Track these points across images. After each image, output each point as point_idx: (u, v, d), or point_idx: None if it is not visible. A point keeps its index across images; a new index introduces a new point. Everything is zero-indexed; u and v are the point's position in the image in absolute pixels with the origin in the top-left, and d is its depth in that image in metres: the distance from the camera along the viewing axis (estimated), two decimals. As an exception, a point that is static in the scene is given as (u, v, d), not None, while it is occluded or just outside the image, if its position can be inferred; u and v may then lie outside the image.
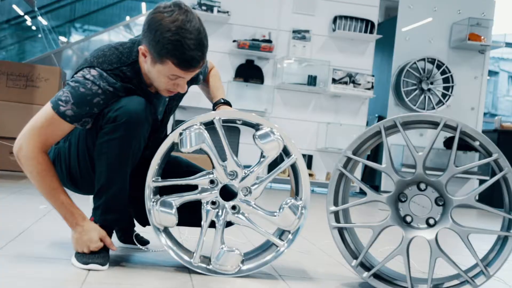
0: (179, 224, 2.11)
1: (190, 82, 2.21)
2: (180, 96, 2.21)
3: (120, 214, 2.07)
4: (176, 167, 2.23)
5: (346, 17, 6.85)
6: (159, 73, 1.97)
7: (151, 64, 1.97)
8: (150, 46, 1.93)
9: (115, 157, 1.97)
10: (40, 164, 1.98)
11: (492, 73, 18.53)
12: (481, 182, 7.12)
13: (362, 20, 6.87)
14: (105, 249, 2.03)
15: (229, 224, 2.14)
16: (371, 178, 7.32)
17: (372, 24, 6.88)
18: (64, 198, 2.01)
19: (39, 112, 1.99)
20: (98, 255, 1.98)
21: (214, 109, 2.25)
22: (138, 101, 1.98)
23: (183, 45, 1.89)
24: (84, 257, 1.97)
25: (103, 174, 2.00)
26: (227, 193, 2.10)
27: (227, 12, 6.54)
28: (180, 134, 2.05)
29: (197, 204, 2.09)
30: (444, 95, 7.09)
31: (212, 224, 2.10)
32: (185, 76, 1.97)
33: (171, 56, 1.90)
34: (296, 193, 2.17)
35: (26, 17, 11.17)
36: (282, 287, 2.00)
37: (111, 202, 2.03)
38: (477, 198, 2.04)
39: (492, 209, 2.02)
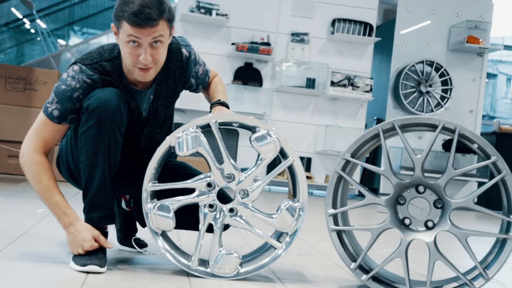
0: (177, 227, 2.11)
1: (182, 86, 2.25)
2: (166, 95, 2.20)
3: (105, 211, 2.06)
4: (173, 170, 2.22)
5: (344, 20, 6.86)
6: (122, 43, 2.00)
7: (118, 35, 2.02)
8: (114, 17, 2.00)
9: (92, 148, 2.00)
10: (36, 164, 2.05)
11: (490, 75, 18.56)
12: (480, 184, 7.12)
13: (360, 23, 6.88)
14: (102, 250, 2.03)
15: (225, 227, 2.14)
16: (369, 180, 7.32)
17: (371, 27, 6.89)
18: (59, 199, 2.05)
19: (36, 119, 2.10)
20: (96, 256, 1.98)
21: (210, 110, 2.25)
22: (110, 90, 2.03)
23: (133, 1, 1.93)
24: (82, 259, 1.97)
25: (85, 169, 2.03)
26: (223, 198, 2.10)
27: (226, 15, 6.54)
28: (177, 137, 2.05)
29: (194, 208, 2.09)
30: (442, 98, 7.09)
31: (210, 229, 2.09)
32: (140, 36, 1.95)
33: (123, 12, 1.94)
34: (293, 195, 2.17)
35: (25, 20, 11.17)
36: (281, 290, 2.00)
37: (94, 199, 2.04)
38: (475, 200, 2.03)
39: (491, 212, 2.02)
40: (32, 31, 11.41)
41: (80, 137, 2.01)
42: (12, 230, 2.59)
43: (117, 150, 2.04)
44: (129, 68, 2.05)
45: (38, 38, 10.72)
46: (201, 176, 2.10)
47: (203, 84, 2.34)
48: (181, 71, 2.19)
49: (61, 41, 11.00)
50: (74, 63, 2.08)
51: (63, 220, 2.04)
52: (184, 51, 2.18)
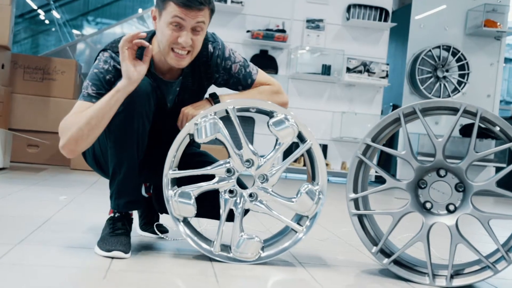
0: (197, 216, 2.14)
1: (208, 81, 2.24)
2: (192, 90, 2.21)
3: (132, 197, 2.08)
4: (193, 158, 2.24)
5: (360, 6, 6.82)
6: (163, 25, 2.02)
7: (159, 18, 2.05)
8: (158, 0, 2.04)
9: (120, 135, 2.01)
10: (71, 118, 2.01)
11: (507, 60, 18.34)
12: (498, 169, 7.08)
13: (376, 8, 6.83)
14: (126, 234, 2.06)
15: (245, 212, 2.15)
16: (386, 166, 7.30)
17: (386, 12, 6.84)
18: (103, 98, 1.99)
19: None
20: (120, 242, 2.00)
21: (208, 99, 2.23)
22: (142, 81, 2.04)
23: None
24: (107, 244, 1.99)
25: (113, 155, 2.04)
26: (240, 186, 2.11)
27: (241, 2, 6.53)
28: (196, 124, 2.06)
29: (214, 196, 2.11)
30: (459, 83, 7.04)
31: (230, 218, 2.11)
32: (185, 17, 1.98)
33: None
34: (312, 178, 2.18)
35: (39, 11, 11.22)
36: (303, 274, 2.02)
37: (122, 185, 2.05)
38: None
39: (513, 194, 2.01)
40: (47, 22, 11.47)
41: (109, 124, 2.01)
42: (35, 217, 2.63)
43: (144, 137, 2.06)
44: (164, 52, 2.06)
45: (53, 29, 10.77)
46: (221, 162, 2.11)
47: (239, 83, 2.25)
48: (206, 66, 2.19)
49: (76, 32, 11.04)
50: (104, 50, 2.12)
51: (114, 97, 1.97)
52: (209, 46, 2.18)
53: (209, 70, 2.20)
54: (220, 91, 2.23)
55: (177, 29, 2.01)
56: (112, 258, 1.96)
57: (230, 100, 2.12)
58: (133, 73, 1.96)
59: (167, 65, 2.10)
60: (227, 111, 2.09)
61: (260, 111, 2.15)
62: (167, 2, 2.00)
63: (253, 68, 2.26)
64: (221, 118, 2.09)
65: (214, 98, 2.16)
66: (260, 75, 2.27)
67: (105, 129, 2.06)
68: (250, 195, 2.10)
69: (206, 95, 2.23)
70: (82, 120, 1.96)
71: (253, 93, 2.22)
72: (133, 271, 1.83)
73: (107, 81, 2.06)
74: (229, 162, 2.09)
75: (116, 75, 2.06)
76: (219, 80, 2.24)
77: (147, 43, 2.00)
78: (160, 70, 2.15)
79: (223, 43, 2.22)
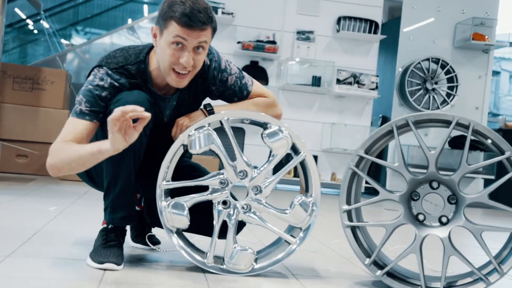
0: (191, 231, 2.14)
1: (204, 94, 2.23)
2: (188, 103, 2.20)
3: (128, 211, 2.07)
4: (185, 171, 2.22)
5: (350, 18, 6.86)
6: (164, 44, 1.99)
7: (159, 37, 2.01)
8: (159, 18, 2.01)
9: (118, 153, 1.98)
10: (61, 147, 1.96)
11: (493, 73, 18.52)
12: (486, 181, 7.12)
13: (366, 20, 6.88)
14: (119, 246, 2.04)
15: (239, 229, 2.15)
16: (375, 178, 7.31)
17: (376, 24, 6.89)
18: (89, 148, 1.93)
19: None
20: (113, 254, 1.99)
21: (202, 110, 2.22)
22: (137, 93, 2.02)
23: (185, 3, 1.96)
24: (100, 256, 1.98)
25: (109, 171, 2.03)
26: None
27: (232, 13, 6.55)
28: (190, 135, 2.06)
29: (208, 213, 2.10)
30: (448, 95, 7.09)
31: (222, 235, 2.10)
32: (187, 37, 1.97)
33: (174, 12, 1.95)
34: (306, 190, 2.18)
35: (28, 21, 11.18)
36: (296, 286, 2.01)
37: (118, 200, 2.04)
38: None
39: (506, 207, 2.02)
40: (36, 31, 11.43)
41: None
42: (26, 228, 2.60)
43: (141, 152, 2.05)
44: (164, 71, 2.04)
45: (42, 39, 10.73)
46: (214, 173, 2.11)
47: (235, 95, 2.23)
48: (203, 79, 2.18)
49: (66, 42, 11.02)
50: (99, 66, 2.08)
51: (101, 152, 1.90)
52: (206, 59, 2.16)
53: (206, 82, 2.20)
54: (215, 101, 2.23)
55: (178, 49, 1.99)
56: (105, 270, 1.95)
57: (224, 111, 2.12)
58: (121, 144, 1.85)
59: (165, 81, 2.08)
60: (221, 122, 2.09)
61: (254, 123, 2.15)
62: (169, 21, 1.97)
63: (248, 79, 2.26)
64: (214, 129, 2.09)
65: (208, 109, 2.15)
66: (255, 86, 2.27)
67: None
68: (244, 207, 2.10)
69: (201, 106, 2.22)
70: (65, 158, 1.95)
71: (247, 105, 2.21)
72: (125, 283, 1.82)
73: (102, 98, 2.01)
74: (222, 173, 2.09)
75: (113, 92, 2.03)
76: (215, 92, 2.23)
77: (147, 114, 1.83)
78: (157, 86, 2.13)
79: (219, 55, 2.22)
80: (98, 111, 2.01)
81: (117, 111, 1.79)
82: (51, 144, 2.00)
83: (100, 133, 2.06)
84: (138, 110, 1.80)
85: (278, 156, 2.11)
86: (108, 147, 1.87)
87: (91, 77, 2.06)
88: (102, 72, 2.05)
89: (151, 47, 2.14)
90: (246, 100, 2.24)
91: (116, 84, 2.04)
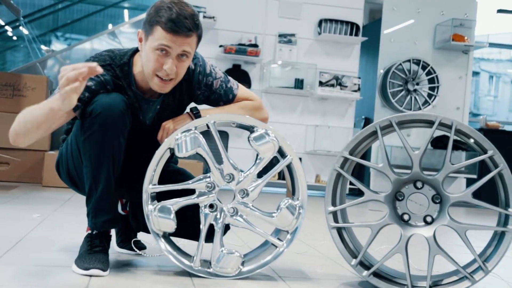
0: (176, 235, 2.14)
1: (189, 98, 2.22)
2: (172, 107, 2.20)
3: (110, 215, 2.05)
4: (170, 176, 2.22)
5: (331, 20, 6.89)
6: (149, 50, 1.99)
7: (145, 42, 2.02)
8: (145, 22, 2.01)
9: (96, 153, 1.98)
10: (21, 114, 1.95)
11: (473, 73, 18.72)
12: (468, 180, 7.19)
13: (347, 23, 6.91)
14: (104, 252, 2.03)
15: (224, 231, 2.15)
16: (359, 179, 7.33)
17: (357, 26, 6.93)
18: (41, 107, 1.91)
19: None
20: (98, 260, 1.98)
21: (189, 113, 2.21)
22: (114, 95, 2.01)
23: (172, 9, 1.96)
24: (85, 262, 1.97)
25: (89, 174, 2.02)
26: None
27: (213, 17, 6.55)
28: (176, 139, 2.05)
29: (195, 217, 2.10)
30: (430, 96, 7.15)
31: (208, 238, 2.09)
32: (172, 44, 1.96)
33: (160, 18, 1.95)
34: (292, 193, 2.18)
35: (7, 27, 11.07)
36: (283, 288, 2.01)
37: (99, 204, 2.03)
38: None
39: (489, 206, 2.04)
40: (15, 38, 11.32)
41: (84, 143, 2.00)
42: (9, 236, 2.57)
43: (120, 154, 2.04)
44: (148, 76, 2.04)
45: (22, 45, 10.63)
46: (201, 176, 2.11)
47: (221, 99, 2.23)
48: (187, 83, 2.18)
49: (46, 48, 10.94)
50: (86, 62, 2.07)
51: (44, 108, 1.89)
52: (190, 63, 2.17)
53: (191, 87, 2.19)
54: (200, 106, 2.22)
55: (162, 55, 1.99)
56: (91, 276, 1.94)
57: (211, 114, 2.12)
58: (71, 101, 1.79)
59: (149, 85, 2.08)
60: (208, 126, 2.09)
61: (240, 126, 2.15)
62: (155, 26, 1.97)
63: (233, 83, 2.26)
64: (201, 133, 2.09)
65: (195, 112, 2.15)
66: (241, 90, 2.27)
67: (80, 147, 2.04)
68: (230, 210, 2.10)
69: (187, 109, 2.22)
70: (22, 120, 1.94)
71: (234, 108, 2.22)
72: (112, 289, 1.81)
73: (87, 86, 1.97)
74: (209, 177, 2.08)
75: (97, 84, 2.01)
76: (200, 97, 2.23)
77: (99, 69, 1.81)
78: (141, 89, 2.13)
79: (203, 59, 2.22)
80: (80, 98, 1.94)
81: (67, 68, 1.77)
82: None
83: (78, 131, 2.04)
84: (89, 66, 1.77)
85: (265, 159, 2.11)
86: (59, 105, 1.83)
87: None
88: None
89: (135, 50, 2.14)
90: (233, 104, 2.24)
91: (101, 78, 2.03)
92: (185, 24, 1.96)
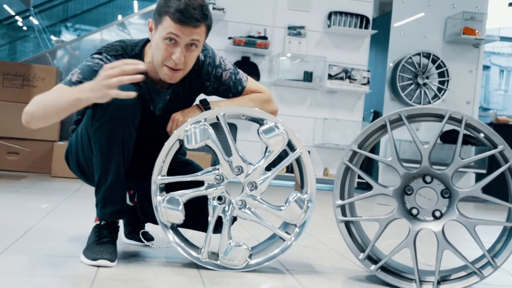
0: (184, 226, 2.13)
1: (198, 90, 2.22)
2: (181, 98, 2.20)
3: (118, 206, 2.06)
4: (178, 167, 2.22)
5: (341, 13, 6.86)
6: (158, 39, 2.00)
7: (154, 31, 2.03)
8: (155, 13, 2.02)
9: (106, 144, 1.99)
10: (39, 95, 1.95)
11: (484, 67, 18.61)
12: (477, 175, 7.15)
13: (357, 15, 6.88)
14: (112, 243, 2.03)
15: (232, 221, 2.15)
16: (367, 173, 7.31)
17: (367, 19, 6.89)
18: (66, 95, 1.91)
19: None
20: (106, 250, 1.98)
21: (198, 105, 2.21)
22: (126, 86, 1.99)
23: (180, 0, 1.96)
24: (93, 252, 1.97)
25: (98, 164, 2.02)
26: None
27: (222, 9, 6.53)
28: (186, 130, 2.05)
29: (203, 208, 2.10)
30: (439, 89, 7.11)
31: (216, 230, 2.10)
32: (180, 34, 1.97)
33: (168, 8, 1.96)
34: (301, 186, 2.18)
35: (17, 17, 11.11)
36: (290, 281, 2.01)
37: (108, 194, 2.03)
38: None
39: (499, 201, 2.03)
40: (25, 28, 11.35)
41: (94, 133, 2.00)
42: (18, 226, 2.59)
43: (130, 145, 2.04)
44: (157, 66, 2.04)
45: (32, 36, 10.66)
46: (210, 168, 2.10)
47: (230, 90, 2.23)
48: (197, 75, 2.18)
49: (55, 38, 10.96)
50: (98, 53, 2.08)
51: (69, 97, 1.90)
52: (200, 54, 2.17)
53: (200, 78, 2.19)
54: (210, 97, 2.22)
55: (171, 44, 1.99)
56: (98, 266, 1.94)
57: (221, 106, 2.11)
58: (105, 98, 1.86)
59: (159, 75, 2.08)
60: (217, 118, 2.08)
61: (250, 119, 2.15)
62: (164, 16, 1.98)
63: (242, 75, 2.26)
64: (210, 125, 2.08)
65: (205, 105, 2.15)
66: (250, 82, 2.26)
67: (90, 137, 2.04)
68: (239, 203, 2.10)
69: (197, 101, 2.21)
70: (41, 102, 1.93)
71: (244, 101, 2.21)
72: (119, 280, 1.81)
73: (97, 73, 1.95)
74: (218, 169, 2.08)
75: None
76: (209, 88, 2.23)
77: (142, 68, 1.88)
78: (152, 80, 2.13)
79: (213, 51, 2.22)
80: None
81: (109, 66, 1.84)
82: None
83: (89, 121, 2.04)
84: (134, 64, 1.85)
85: (274, 152, 2.11)
86: (88, 97, 1.86)
87: (89, 59, 2.06)
88: (101, 56, 2.06)
89: (146, 41, 2.15)
90: (242, 96, 2.24)
91: None
92: (193, 15, 1.95)
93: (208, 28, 2.05)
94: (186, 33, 1.97)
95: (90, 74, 1.99)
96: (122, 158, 2.02)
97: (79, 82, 1.97)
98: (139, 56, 2.11)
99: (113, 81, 1.84)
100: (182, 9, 1.95)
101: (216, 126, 2.10)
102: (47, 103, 1.93)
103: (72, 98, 1.89)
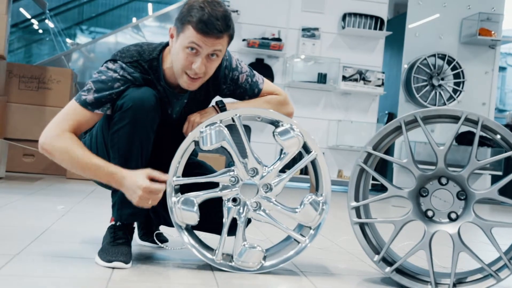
0: (198, 229, 2.14)
1: (215, 92, 2.22)
2: (198, 101, 2.20)
3: (135, 208, 2.05)
4: (192, 169, 2.22)
5: (355, 14, 6.84)
6: (179, 47, 1.99)
7: (176, 39, 2.01)
8: (177, 20, 2.00)
9: (125, 147, 2.00)
10: (65, 140, 1.97)
11: (500, 68, 18.45)
12: (493, 177, 7.09)
13: (371, 17, 6.86)
14: (127, 244, 2.04)
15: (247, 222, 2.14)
16: (382, 175, 7.28)
17: (382, 20, 6.87)
18: (98, 161, 1.97)
19: (63, 109, 2.04)
20: (121, 252, 1.99)
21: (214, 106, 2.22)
22: (145, 89, 2.02)
23: (204, 9, 1.94)
24: (108, 254, 1.98)
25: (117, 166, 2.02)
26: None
27: (237, 11, 6.54)
28: (201, 132, 2.05)
29: (217, 211, 2.10)
30: (455, 91, 7.07)
31: (231, 232, 2.10)
32: (202, 44, 1.96)
33: (191, 17, 1.94)
34: (316, 189, 2.17)
35: (33, 20, 11.21)
36: (305, 283, 2.00)
37: (125, 196, 2.03)
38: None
39: (517, 202, 2.00)
40: (40, 31, 11.45)
41: (113, 135, 2.01)
42: (33, 227, 2.61)
43: (149, 148, 2.05)
44: (177, 73, 2.04)
45: (47, 38, 10.75)
46: (225, 170, 2.10)
47: (246, 93, 2.23)
48: (214, 78, 2.16)
49: (70, 41, 11.04)
50: (112, 60, 2.06)
51: (113, 180, 1.97)
52: None
53: (217, 81, 2.19)
54: (226, 99, 2.22)
55: (192, 53, 1.98)
56: (113, 268, 1.95)
57: (236, 108, 2.11)
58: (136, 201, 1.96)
59: (177, 81, 2.08)
60: (233, 119, 2.08)
61: (266, 120, 2.14)
62: (186, 25, 1.96)
63: (259, 77, 2.25)
64: (225, 126, 2.08)
65: (220, 106, 2.15)
66: (266, 84, 2.26)
67: (107, 140, 2.05)
68: (253, 204, 2.09)
69: (213, 103, 2.21)
70: (67, 157, 1.98)
71: (260, 102, 2.21)
72: (134, 282, 1.82)
73: (114, 88, 2.00)
74: (233, 170, 2.08)
75: (125, 84, 2.02)
76: (226, 91, 2.23)
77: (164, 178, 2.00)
78: (170, 84, 2.12)
79: (229, 54, 2.21)
80: (104, 102, 2.00)
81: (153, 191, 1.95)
82: (46, 129, 2.01)
83: (105, 124, 2.07)
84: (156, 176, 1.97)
85: (289, 154, 2.10)
86: (120, 182, 1.96)
87: (103, 68, 2.05)
88: (116, 65, 2.04)
89: (164, 45, 2.13)
90: (258, 98, 2.23)
91: (129, 77, 2.03)
92: (216, 26, 1.94)
93: (231, 38, 2.03)
94: (208, 44, 1.96)
95: (104, 91, 1.99)
96: (141, 161, 2.03)
97: (94, 101, 1.98)
98: (157, 60, 2.09)
99: (149, 203, 1.96)
100: (205, 19, 1.93)
101: (230, 128, 2.10)
102: (78, 162, 1.97)
103: (105, 172, 1.97)
